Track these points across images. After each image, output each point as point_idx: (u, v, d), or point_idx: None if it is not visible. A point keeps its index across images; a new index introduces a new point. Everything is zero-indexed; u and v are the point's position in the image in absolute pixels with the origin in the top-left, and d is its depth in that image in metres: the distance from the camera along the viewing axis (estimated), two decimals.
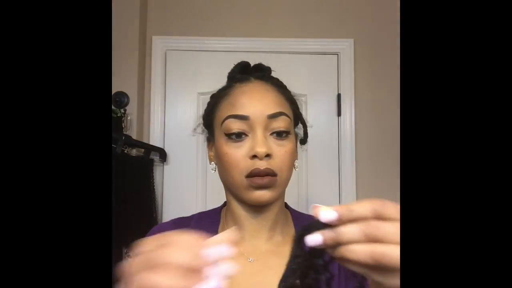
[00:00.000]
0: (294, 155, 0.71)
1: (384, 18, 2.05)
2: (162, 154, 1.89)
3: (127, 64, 1.84)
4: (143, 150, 1.83)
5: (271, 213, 0.72)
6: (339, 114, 1.99)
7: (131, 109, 1.83)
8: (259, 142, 0.66)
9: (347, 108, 1.99)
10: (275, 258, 0.69)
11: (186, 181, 1.93)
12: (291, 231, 0.75)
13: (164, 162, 1.92)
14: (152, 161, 1.86)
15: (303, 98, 1.97)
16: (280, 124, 0.68)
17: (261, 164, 0.65)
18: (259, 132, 0.67)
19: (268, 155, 0.66)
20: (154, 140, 1.92)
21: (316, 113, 1.98)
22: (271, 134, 0.68)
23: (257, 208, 0.70)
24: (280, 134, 0.68)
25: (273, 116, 0.68)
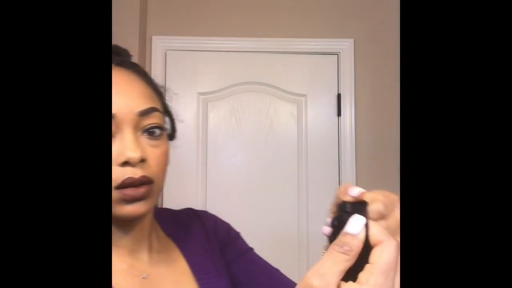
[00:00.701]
0: (169, 156, 0.61)
1: (384, 18, 2.05)
2: None
3: None
4: None
5: (146, 223, 0.62)
6: (339, 114, 1.99)
7: None
8: (130, 145, 0.53)
9: (347, 108, 1.99)
10: (164, 266, 0.63)
11: (186, 181, 1.93)
12: (160, 232, 0.67)
13: None
14: None
15: (303, 98, 1.97)
16: (153, 121, 0.57)
17: (135, 172, 0.53)
18: (128, 133, 0.54)
19: (142, 160, 0.54)
20: None
21: (316, 113, 1.98)
22: (143, 133, 0.56)
23: (129, 222, 0.59)
24: (153, 133, 0.57)
25: (145, 113, 0.56)
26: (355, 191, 0.37)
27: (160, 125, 0.58)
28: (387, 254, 0.33)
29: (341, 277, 0.32)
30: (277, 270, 0.71)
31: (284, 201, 1.96)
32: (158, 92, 0.65)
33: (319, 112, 1.99)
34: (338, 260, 0.33)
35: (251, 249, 0.73)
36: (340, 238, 0.34)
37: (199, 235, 0.69)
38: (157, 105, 0.60)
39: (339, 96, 2.00)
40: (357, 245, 0.33)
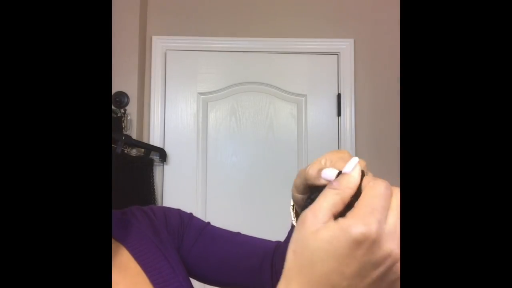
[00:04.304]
0: None
1: (384, 18, 2.05)
2: (162, 154, 1.89)
3: (127, 64, 1.84)
4: (143, 150, 1.83)
5: None
6: (339, 114, 1.99)
7: (131, 109, 1.84)
8: None
9: (347, 108, 1.99)
10: (115, 272, 0.61)
11: (186, 181, 1.93)
12: None
13: (164, 162, 1.92)
14: (152, 161, 1.86)
15: (303, 98, 1.97)
16: None
17: None
18: None
19: None
20: (154, 140, 1.92)
21: (316, 113, 1.98)
22: None
23: None
24: None
25: None
26: (329, 174, 0.40)
27: None
28: (371, 190, 0.35)
29: (333, 211, 0.34)
30: (238, 233, 0.72)
31: (284, 201, 1.96)
32: None
33: (319, 112, 1.99)
34: (328, 195, 0.35)
35: (208, 223, 0.74)
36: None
37: (147, 232, 0.68)
38: None
39: (339, 96, 2.00)
40: (347, 180, 0.36)
